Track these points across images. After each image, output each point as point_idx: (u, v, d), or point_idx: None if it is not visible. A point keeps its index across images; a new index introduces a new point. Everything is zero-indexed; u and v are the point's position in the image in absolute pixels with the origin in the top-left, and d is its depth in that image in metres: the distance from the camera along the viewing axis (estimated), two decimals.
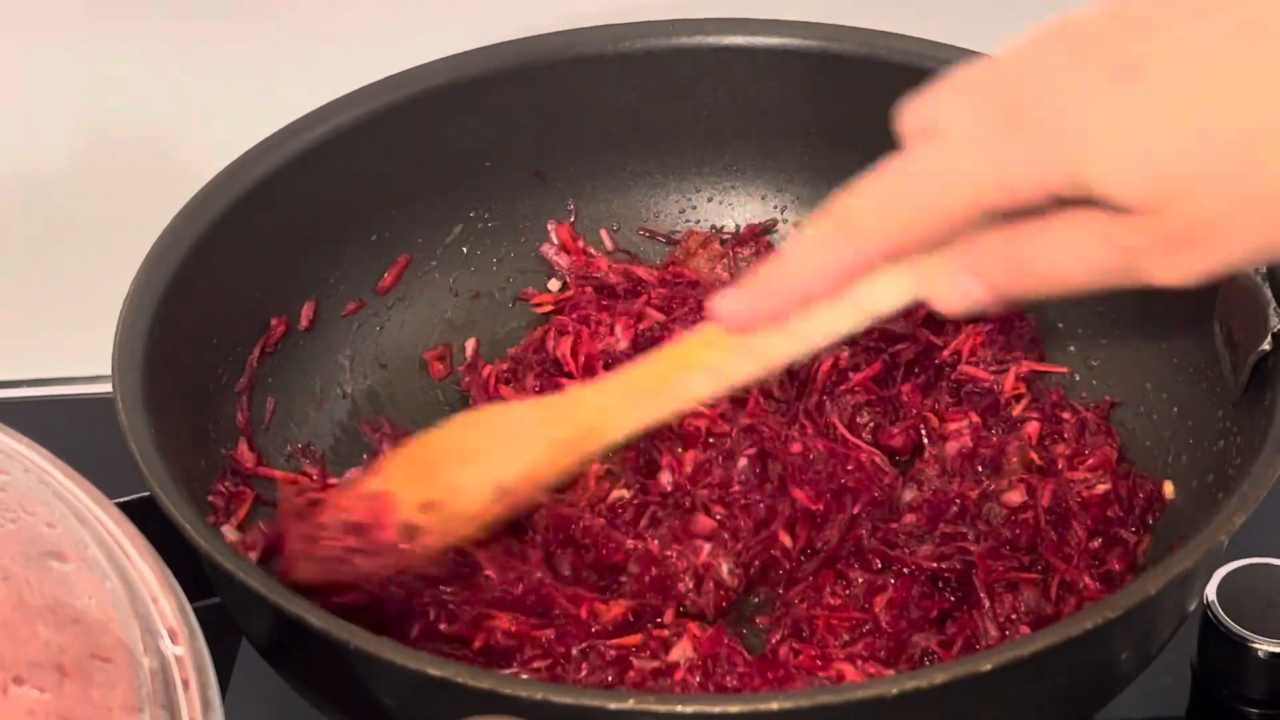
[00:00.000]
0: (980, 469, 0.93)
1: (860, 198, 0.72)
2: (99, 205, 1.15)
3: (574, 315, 1.02)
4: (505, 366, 1.03)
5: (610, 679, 0.83)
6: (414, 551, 0.85)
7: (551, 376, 1.00)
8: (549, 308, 1.06)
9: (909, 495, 0.92)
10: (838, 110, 1.05)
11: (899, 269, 0.74)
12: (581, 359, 1.00)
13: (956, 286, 0.73)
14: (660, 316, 1.02)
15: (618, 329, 1.01)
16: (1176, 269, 0.68)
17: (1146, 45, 0.66)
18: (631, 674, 0.83)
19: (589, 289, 1.05)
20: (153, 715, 0.64)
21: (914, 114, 0.71)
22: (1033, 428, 0.95)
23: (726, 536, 0.90)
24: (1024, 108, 0.68)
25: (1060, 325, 1.01)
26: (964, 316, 0.77)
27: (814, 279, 0.74)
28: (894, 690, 0.70)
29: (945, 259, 0.73)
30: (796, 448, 0.93)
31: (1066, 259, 0.70)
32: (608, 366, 0.98)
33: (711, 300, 0.78)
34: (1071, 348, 1.01)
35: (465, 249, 1.07)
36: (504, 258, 1.07)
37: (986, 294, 0.72)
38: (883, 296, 0.75)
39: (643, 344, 1.00)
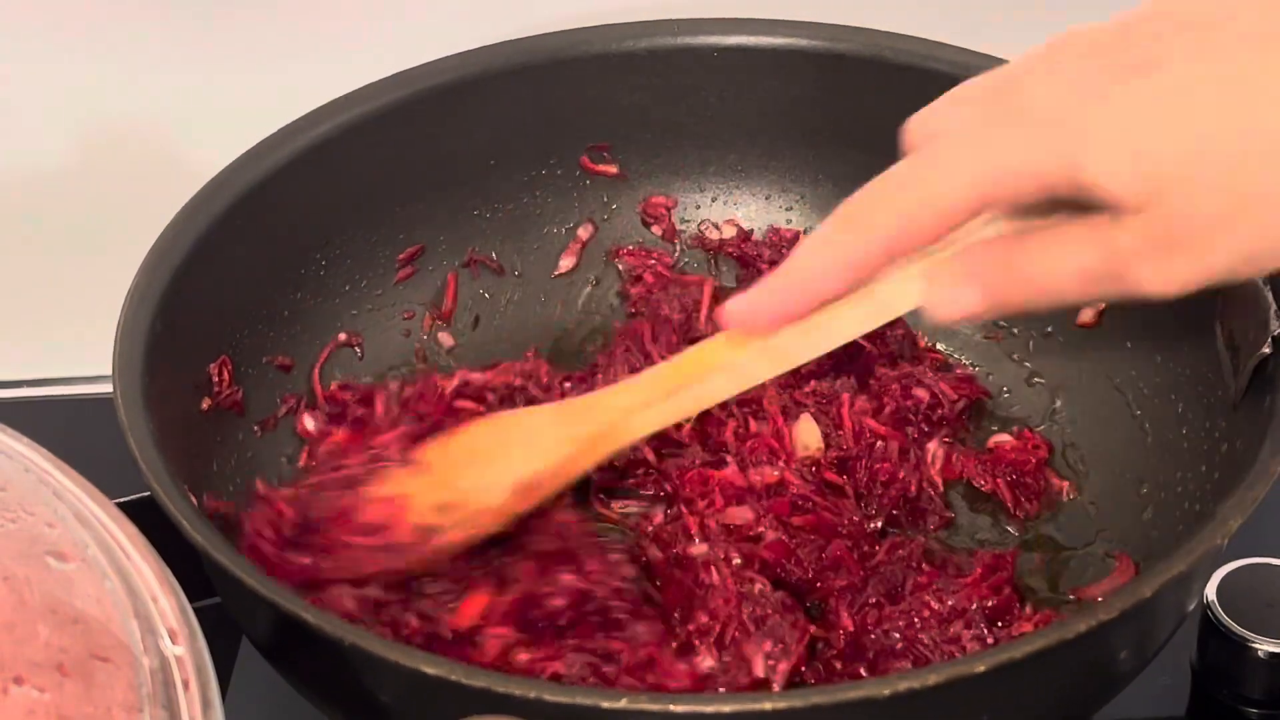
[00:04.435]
0: None
1: (865, 194, 0.73)
2: (99, 205, 1.15)
3: None
4: None
5: None
6: (431, 549, 0.86)
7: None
8: None
9: None
10: (843, 110, 1.05)
11: (912, 270, 0.75)
12: None
13: (953, 292, 0.74)
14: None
15: None
16: (1164, 275, 0.69)
17: (1152, 50, 0.68)
18: None
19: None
20: (153, 715, 0.64)
21: (917, 126, 0.73)
22: None
23: None
24: (1024, 103, 0.69)
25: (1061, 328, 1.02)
26: (955, 323, 0.79)
27: (823, 277, 0.75)
28: (885, 691, 0.70)
29: (947, 262, 0.74)
30: None
31: (1059, 263, 0.71)
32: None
33: (724, 304, 0.78)
34: (1072, 347, 1.01)
35: (469, 248, 1.07)
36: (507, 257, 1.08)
37: (981, 301, 0.73)
38: (896, 296, 0.76)
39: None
